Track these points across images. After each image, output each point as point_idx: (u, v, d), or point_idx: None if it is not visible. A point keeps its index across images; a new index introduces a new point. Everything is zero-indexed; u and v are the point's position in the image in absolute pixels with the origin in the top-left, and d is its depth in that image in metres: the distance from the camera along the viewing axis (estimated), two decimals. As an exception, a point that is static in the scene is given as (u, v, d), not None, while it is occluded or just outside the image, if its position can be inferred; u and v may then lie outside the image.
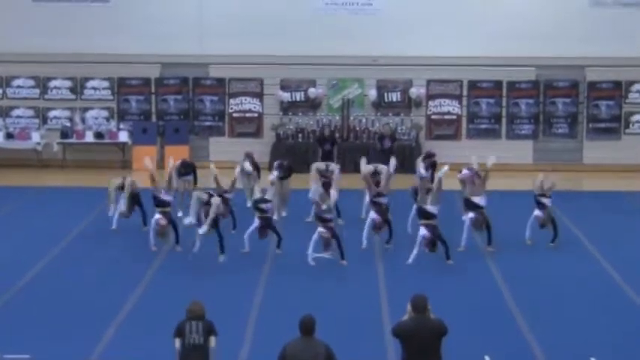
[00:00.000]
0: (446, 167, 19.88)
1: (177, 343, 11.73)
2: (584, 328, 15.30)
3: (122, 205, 20.91)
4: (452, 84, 30.03)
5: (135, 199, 20.92)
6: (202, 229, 18.72)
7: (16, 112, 30.19)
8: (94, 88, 30.16)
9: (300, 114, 29.78)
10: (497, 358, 13.99)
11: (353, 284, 17.68)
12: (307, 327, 10.76)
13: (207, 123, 30.25)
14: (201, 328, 11.69)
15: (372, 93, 29.76)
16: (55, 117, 30.19)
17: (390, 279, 17.80)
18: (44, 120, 30.19)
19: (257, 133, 29.91)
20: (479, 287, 17.53)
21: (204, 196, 19.06)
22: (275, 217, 20.47)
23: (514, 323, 15.56)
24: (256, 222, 19.10)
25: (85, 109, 30.13)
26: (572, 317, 15.84)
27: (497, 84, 30.04)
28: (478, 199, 19.69)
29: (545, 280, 17.93)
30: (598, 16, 29.45)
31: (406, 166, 28.08)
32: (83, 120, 30.02)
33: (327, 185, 20.91)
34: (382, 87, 29.91)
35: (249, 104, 30.15)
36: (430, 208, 18.59)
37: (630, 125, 29.96)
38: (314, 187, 21.28)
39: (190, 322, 11.69)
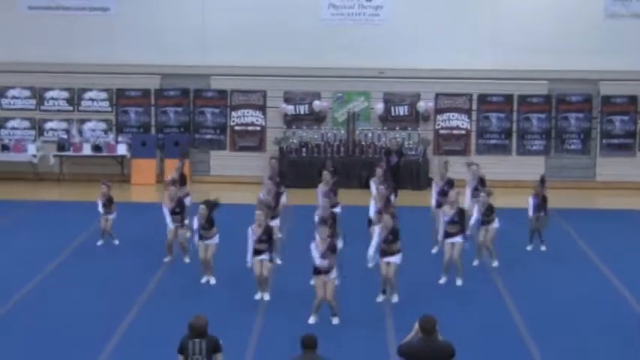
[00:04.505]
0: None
1: (181, 359, 11.38)
2: (593, 348, 14.98)
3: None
4: (461, 98, 29.25)
5: None
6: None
7: (11, 124, 29.56)
8: (92, 100, 29.52)
9: (304, 127, 29.06)
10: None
11: (355, 300, 17.19)
12: (310, 342, 10.81)
13: (208, 136, 29.57)
14: (205, 346, 11.28)
15: (379, 106, 28.99)
16: (52, 129, 29.53)
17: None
18: (40, 132, 29.53)
19: (259, 147, 29.21)
20: (486, 305, 17.16)
21: None
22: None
23: (522, 342, 15.20)
24: None
25: (83, 121, 29.48)
26: (582, 336, 15.51)
27: (508, 98, 29.24)
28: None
29: (555, 298, 17.53)
30: (612, 28, 28.70)
31: (413, 183, 27.48)
32: (80, 132, 29.39)
33: None
34: (389, 100, 29.15)
35: (252, 117, 29.45)
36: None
37: (645, 141, 29.25)
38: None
39: (193, 341, 11.26)
